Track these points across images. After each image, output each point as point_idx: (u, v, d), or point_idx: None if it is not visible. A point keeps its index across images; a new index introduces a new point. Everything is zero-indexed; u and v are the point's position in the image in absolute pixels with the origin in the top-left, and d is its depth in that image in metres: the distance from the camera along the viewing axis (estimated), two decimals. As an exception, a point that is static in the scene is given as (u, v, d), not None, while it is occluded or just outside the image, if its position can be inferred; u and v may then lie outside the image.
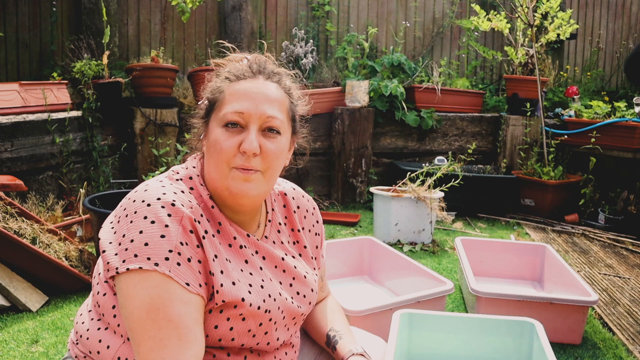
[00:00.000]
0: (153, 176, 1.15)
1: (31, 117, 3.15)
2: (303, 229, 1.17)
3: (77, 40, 4.09)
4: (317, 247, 1.20)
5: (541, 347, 1.38)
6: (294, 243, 1.13)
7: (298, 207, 1.17)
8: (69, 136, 3.37)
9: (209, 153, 0.98)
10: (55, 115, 3.29)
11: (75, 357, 1.03)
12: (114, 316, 0.96)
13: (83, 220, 2.83)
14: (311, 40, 4.58)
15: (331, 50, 5.20)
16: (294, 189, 1.20)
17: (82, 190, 3.11)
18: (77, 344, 1.03)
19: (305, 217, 1.18)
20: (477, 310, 2.06)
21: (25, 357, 1.85)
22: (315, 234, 1.20)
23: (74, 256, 2.45)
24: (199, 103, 1.05)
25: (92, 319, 1.02)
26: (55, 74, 3.71)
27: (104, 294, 0.99)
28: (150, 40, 4.77)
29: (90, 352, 0.99)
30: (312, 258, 1.16)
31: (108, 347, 0.96)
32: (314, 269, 1.17)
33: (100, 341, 0.98)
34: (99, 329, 0.99)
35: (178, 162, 3.40)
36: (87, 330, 1.01)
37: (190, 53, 4.91)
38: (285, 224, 1.13)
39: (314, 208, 1.21)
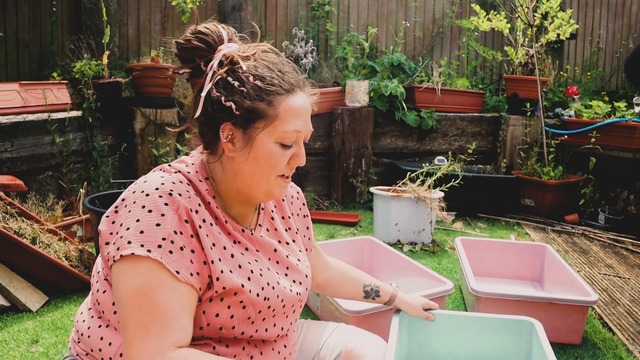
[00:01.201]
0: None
1: (31, 117, 3.15)
2: (292, 214, 1.22)
3: (77, 40, 4.09)
4: (307, 227, 1.27)
5: (541, 346, 1.38)
6: (286, 230, 1.17)
7: (285, 195, 1.21)
8: (69, 136, 3.37)
9: (252, 162, 0.98)
10: (55, 115, 3.29)
11: (77, 355, 1.03)
12: (114, 312, 0.97)
13: (83, 220, 2.83)
14: (311, 40, 4.58)
15: (331, 50, 5.19)
16: None
17: (82, 190, 3.11)
18: (78, 342, 1.03)
19: (292, 202, 1.24)
20: (477, 310, 2.06)
21: (25, 357, 1.85)
22: (304, 216, 1.27)
23: (74, 256, 2.45)
24: (225, 103, 0.95)
25: (92, 317, 1.02)
26: (55, 74, 3.71)
27: (104, 291, 0.99)
28: (150, 40, 4.78)
29: (92, 350, 0.99)
30: (305, 238, 1.25)
31: (110, 344, 0.97)
32: (307, 249, 1.24)
33: (101, 338, 0.98)
34: (99, 326, 1.00)
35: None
36: (88, 328, 1.01)
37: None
38: (276, 212, 1.18)
39: (297, 192, 1.27)
